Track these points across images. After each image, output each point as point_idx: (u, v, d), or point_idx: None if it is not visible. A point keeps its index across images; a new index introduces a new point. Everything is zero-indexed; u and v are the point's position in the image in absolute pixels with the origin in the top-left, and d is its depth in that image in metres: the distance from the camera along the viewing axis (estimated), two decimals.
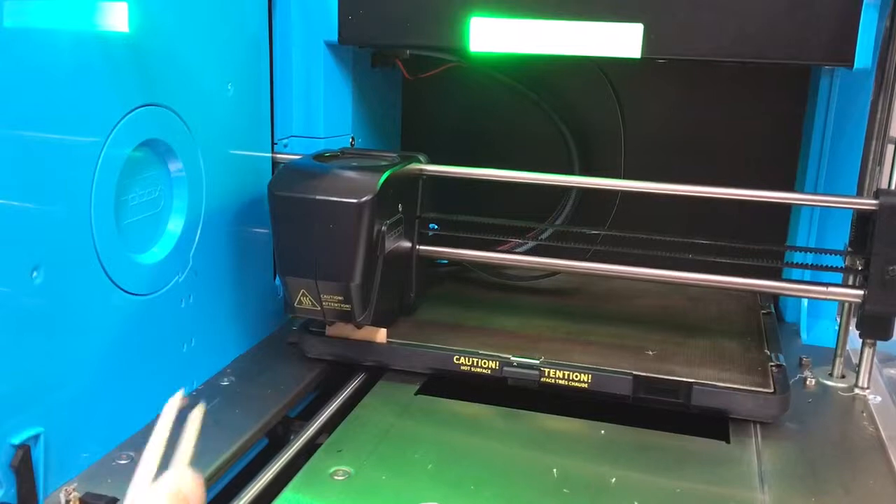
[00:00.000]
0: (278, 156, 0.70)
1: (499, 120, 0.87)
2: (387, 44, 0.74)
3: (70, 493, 0.46)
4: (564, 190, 0.81)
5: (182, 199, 0.57)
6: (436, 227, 0.70)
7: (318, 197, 0.58)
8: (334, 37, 0.69)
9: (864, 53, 0.59)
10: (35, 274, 0.45)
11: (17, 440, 0.44)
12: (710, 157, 0.84)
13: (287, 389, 0.62)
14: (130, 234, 0.53)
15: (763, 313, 0.74)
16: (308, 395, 0.66)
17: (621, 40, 0.63)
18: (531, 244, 0.78)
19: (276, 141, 0.71)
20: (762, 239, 0.64)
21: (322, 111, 0.72)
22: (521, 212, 0.76)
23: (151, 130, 0.53)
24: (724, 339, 0.68)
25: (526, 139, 0.87)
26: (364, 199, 0.58)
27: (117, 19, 0.50)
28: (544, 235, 0.79)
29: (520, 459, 0.54)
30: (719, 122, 0.83)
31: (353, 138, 0.77)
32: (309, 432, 0.58)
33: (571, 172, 0.82)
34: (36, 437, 0.45)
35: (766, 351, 0.65)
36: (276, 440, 0.60)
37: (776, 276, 0.71)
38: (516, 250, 0.77)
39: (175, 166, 0.56)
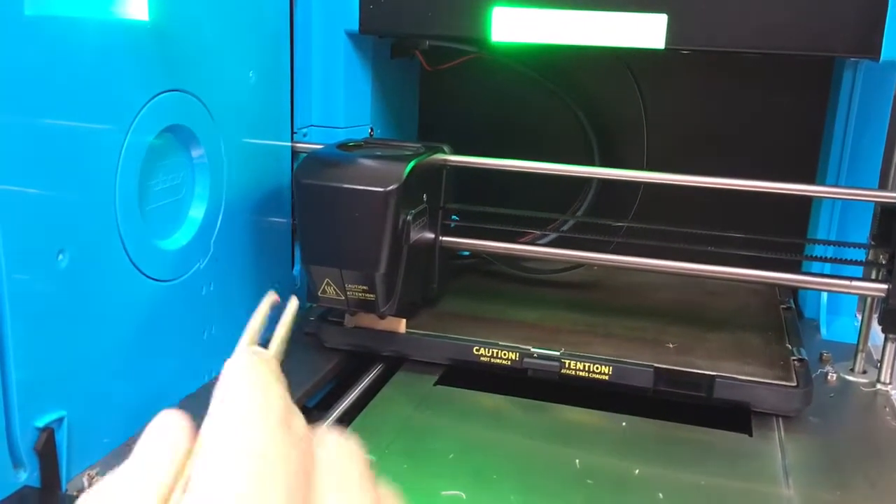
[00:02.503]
0: (298, 145, 0.70)
1: (518, 111, 0.87)
2: (407, 33, 0.73)
3: (93, 478, 0.46)
4: (586, 181, 0.80)
5: (204, 185, 0.57)
6: (457, 218, 0.70)
7: (344, 185, 0.58)
8: (355, 26, 0.69)
9: (891, 45, 0.59)
10: (61, 257, 0.45)
11: (40, 423, 0.44)
12: (733, 149, 0.83)
13: (305, 380, 0.62)
14: (153, 220, 0.53)
15: (783, 308, 0.73)
16: (326, 385, 0.65)
17: (645, 31, 0.63)
18: (552, 236, 0.77)
19: (295, 130, 0.70)
20: (783, 232, 0.64)
21: (342, 101, 0.72)
22: (542, 203, 0.76)
23: (175, 116, 0.53)
24: (744, 332, 0.67)
25: (546, 131, 0.87)
26: (390, 187, 0.57)
27: (140, 5, 0.50)
28: (565, 227, 0.78)
29: (541, 450, 0.54)
30: (742, 113, 0.83)
31: (371, 129, 0.76)
32: (327, 422, 0.58)
33: (592, 164, 0.81)
34: (59, 420, 0.45)
35: (787, 345, 0.65)
36: None
37: (797, 269, 0.70)
38: (537, 242, 0.76)
39: (197, 152, 0.56)
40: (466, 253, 0.79)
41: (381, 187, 0.58)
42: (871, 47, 0.59)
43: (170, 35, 0.52)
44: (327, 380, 0.65)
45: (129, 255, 0.50)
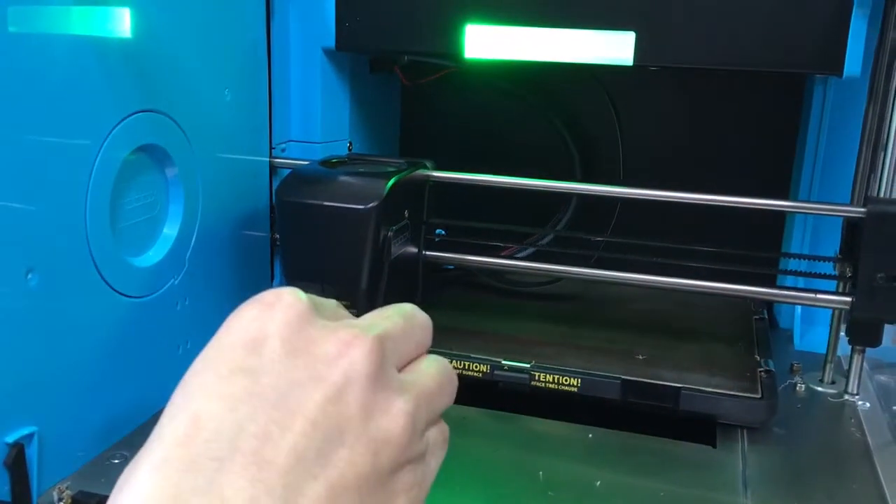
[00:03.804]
0: (276, 160, 0.71)
1: (498, 125, 0.88)
2: (383, 49, 0.75)
3: (63, 492, 0.47)
4: (566, 195, 0.81)
5: (178, 203, 0.58)
6: (442, 232, 0.71)
7: (324, 203, 0.59)
8: (331, 43, 0.70)
9: (854, 62, 0.60)
10: (30, 276, 0.46)
11: (11, 438, 0.45)
12: (707, 165, 0.84)
13: None
14: (126, 238, 0.54)
15: (755, 319, 0.74)
16: None
17: (613, 48, 0.64)
18: (531, 250, 0.79)
19: (273, 145, 0.72)
20: (758, 245, 0.65)
21: (319, 116, 0.73)
22: (524, 214, 0.77)
23: (148, 136, 0.54)
24: (714, 344, 0.68)
25: (526, 144, 0.88)
26: (370, 205, 0.59)
27: (115, 25, 0.51)
28: (545, 241, 0.79)
29: (506, 461, 0.55)
30: (716, 129, 0.84)
31: (350, 143, 0.77)
32: None
33: (573, 178, 0.83)
34: (30, 435, 0.47)
35: (756, 356, 0.66)
36: None
37: (770, 282, 0.71)
38: (517, 255, 0.77)
39: (171, 172, 0.57)
40: (451, 266, 0.80)
41: (362, 205, 0.59)
42: (834, 64, 0.60)
43: (144, 55, 0.54)
44: None
45: (100, 273, 0.51)
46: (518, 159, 0.87)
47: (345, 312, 0.30)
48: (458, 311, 0.74)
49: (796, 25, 0.60)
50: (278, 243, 0.72)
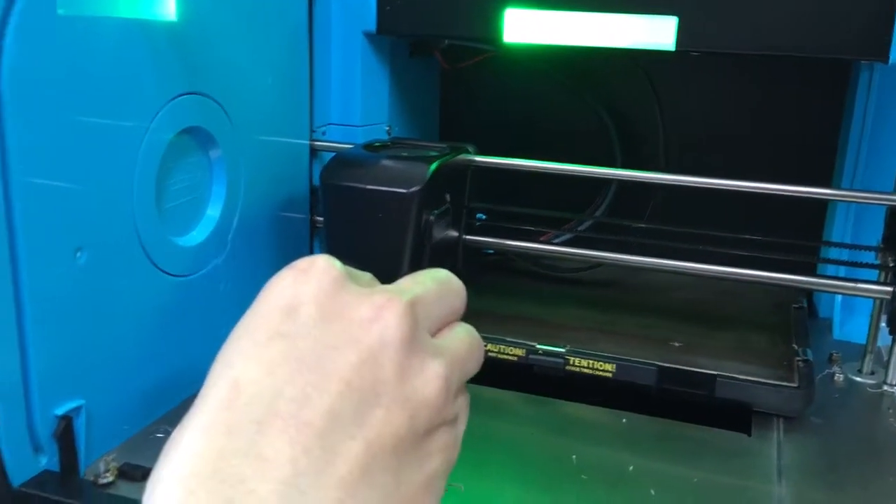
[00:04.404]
0: (316, 143, 0.72)
1: (538, 108, 0.88)
2: (423, 34, 0.75)
3: (109, 463, 0.49)
4: (606, 180, 0.81)
5: (221, 184, 0.59)
6: (484, 216, 0.72)
7: (367, 186, 0.60)
8: (372, 27, 0.71)
9: None
10: (78, 254, 0.47)
11: (60, 411, 0.47)
12: (749, 151, 0.83)
13: None
14: (170, 218, 0.55)
15: (795, 308, 0.73)
16: None
17: (655, 33, 0.64)
18: (568, 236, 0.78)
19: (314, 128, 0.72)
20: (799, 234, 0.65)
21: (359, 100, 0.74)
22: (563, 198, 0.77)
23: (192, 118, 0.55)
24: (751, 332, 0.68)
25: (565, 127, 0.88)
26: (413, 189, 0.59)
27: (161, 8, 0.52)
28: (583, 227, 0.79)
29: (540, 445, 0.55)
30: (759, 114, 0.83)
31: (389, 127, 0.78)
32: None
33: (613, 162, 0.82)
34: (78, 408, 0.48)
35: (793, 345, 0.65)
36: None
37: (811, 271, 0.70)
38: (555, 241, 0.77)
39: (215, 153, 0.58)
40: (491, 251, 0.81)
41: (404, 188, 0.59)
42: (879, 49, 0.59)
43: (190, 39, 0.54)
44: None
45: (145, 251, 0.53)
46: (558, 142, 0.87)
47: (378, 282, 0.30)
48: (496, 294, 0.75)
49: (841, 10, 0.59)
50: (318, 225, 0.73)
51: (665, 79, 0.82)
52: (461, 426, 0.30)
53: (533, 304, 0.73)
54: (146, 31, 0.50)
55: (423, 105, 0.86)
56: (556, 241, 0.78)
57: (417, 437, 0.26)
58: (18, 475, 0.45)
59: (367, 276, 0.30)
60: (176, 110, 0.54)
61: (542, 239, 0.77)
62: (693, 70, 0.83)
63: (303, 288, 0.26)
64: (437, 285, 0.29)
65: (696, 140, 0.85)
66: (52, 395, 0.47)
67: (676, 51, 0.63)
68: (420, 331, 0.27)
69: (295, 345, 0.25)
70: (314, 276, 0.27)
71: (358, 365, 0.25)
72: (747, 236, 0.64)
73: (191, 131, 0.56)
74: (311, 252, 0.75)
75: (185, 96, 0.54)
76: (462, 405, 0.30)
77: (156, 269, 0.54)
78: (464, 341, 0.29)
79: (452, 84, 0.89)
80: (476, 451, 0.54)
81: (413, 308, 0.27)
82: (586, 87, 0.84)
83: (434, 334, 0.29)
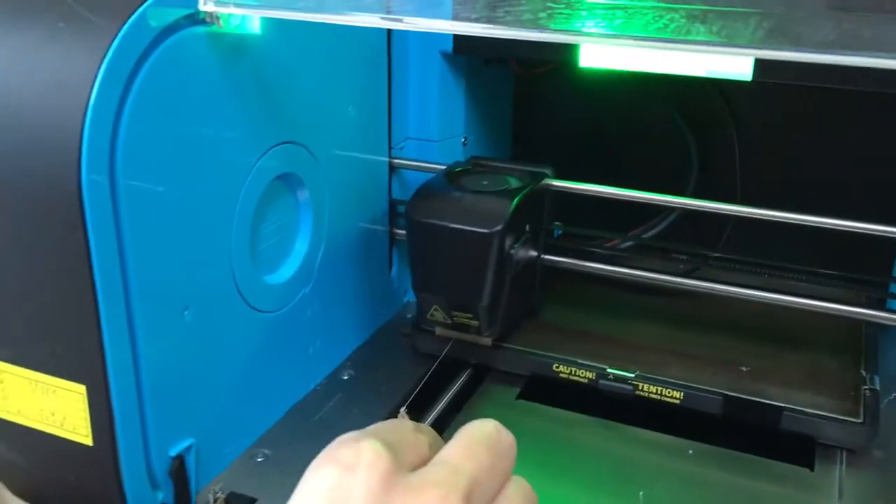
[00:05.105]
0: (395, 160, 0.75)
1: (613, 115, 0.88)
2: (498, 55, 0.76)
3: (216, 494, 0.54)
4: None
5: (308, 221, 0.63)
6: (559, 229, 0.74)
7: (451, 225, 0.62)
8: (449, 48, 0.72)
9: None
10: (185, 312, 0.52)
11: (174, 452, 0.52)
12: (827, 182, 0.82)
13: (400, 385, 0.68)
14: (262, 259, 0.59)
15: (866, 324, 0.74)
16: (419, 386, 0.71)
17: (731, 62, 0.64)
18: (629, 243, 0.79)
19: (392, 144, 0.75)
20: (873, 267, 0.65)
21: (436, 116, 0.76)
22: (633, 213, 0.78)
23: (283, 166, 0.59)
24: (820, 354, 0.69)
25: (638, 137, 0.88)
26: (495, 228, 0.62)
27: (252, 68, 0.54)
28: (651, 234, 0.81)
29: (609, 479, 0.59)
30: (838, 149, 0.82)
31: (465, 139, 0.80)
32: None
33: (689, 175, 0.82)
34: (189, 447, 0.53)
35: (861, 371, 0.66)
36: None
37: (880, 305, 0.70)
38: (621, 250, 0.79)
39: (303, 194, 0.62)
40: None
41: (486, 228, 0.62)
42: None
43: (278, 92, 0.57)
44: (419, 382, 0.71)
45: (241, 295, 0.57)
46: (633, 151, 0.87)
47: (425, 440, 0.30)
48: (566, 305, 0.77)
49: None
50: (398, 237, 0.76)
51: (745, 103, 0.81)
52: None
53: (603, 316, 0.75)
54: (239, 93, 0.53)
55: (497, 112, 0.87)
56: (624, 246, 0.79)
57: None
58: None
59: (411, 438, 0.29)
60: (268, 163, 0.57)
61: (607, 246, 0.79)
62: (774, 96, 0.81)
63: (351, 491, 0.25)
64: (489, 455, 0.29)
65: (772, 165, 0.83)
66: (166, 437, 0.52)
67: (753, 82, 0.63)
68: None
69: None
70: (361, 473, 0.26)
71: None
72: (816, 270, 0.65)
73: (280, 177, 0.59)
74: (389, 260, 0.78)
75: (275, 147, 0.57)
76: None
77: (251, 310, 0.58)
78: None
79: (526, 89, 0.90)
80: (545, 484, 0.58)
81: (469, 500, 0.27)
82: (664, 95, 0.83)
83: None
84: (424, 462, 0.30)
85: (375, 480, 0.26)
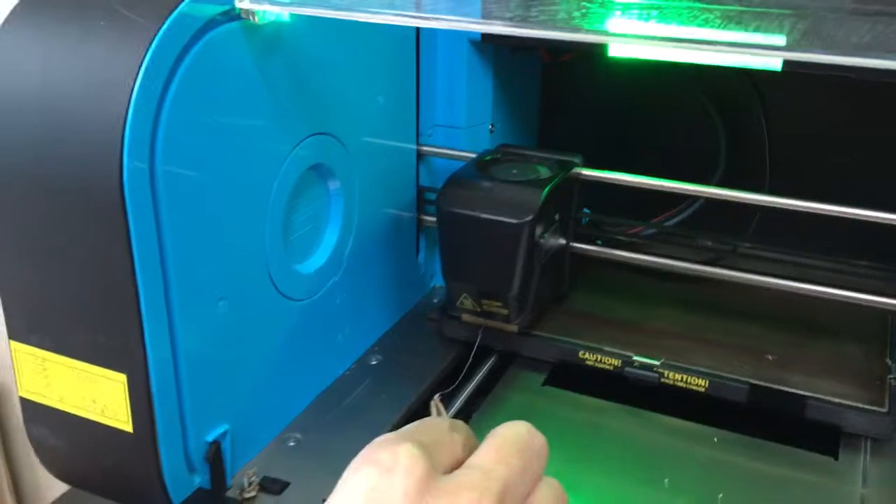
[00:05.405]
0: (423, 148, 0.75)
1: (641, 101, 0.88)
2: (527, 46, 0.76)
3: (251, 477, 0.56)
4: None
5: (338, 210, 0.64)
6: (588, 211, 0.74)
7: (481, 215, 0.63)
8: (477, 36, 0.72)
9: None
10: (220, 303, 0.53)
11: (210, 438, 0.54)
12: (858, 170, 0.82)
13: (428, 370, 0.69)
14: (294, 248, 0.60)
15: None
16: (448, 372, 0.73)
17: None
18: (651, 231, 0.80)
19: (420, 132, 0.75)
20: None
21: (465, 103, 0.76)
22: (655, 201, 0.78)
23: (315, 157, 0.59)
24: (846, 343, 0.69)
25: (666, 123, 0.87)
26: (525, 218, 0.63)
27: (290, 61, 0.55)
28: (675, 221, 0.81)
29: (635, 465, 0.60)
30: (873, 138, 0.81)
31: (492, 126, 0.80)
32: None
33: (717, 159, 0.82)
34: (224, 433, 0.55)
35: (887, 360, 0.67)
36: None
37: None
38: (645, 237, 0.79)
39: (334, 184, 0.62)
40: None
41: (517, 219, 0.63)
42: None
43: (310, 82, 0.58)
44: (446, 367, 0.72)
45: (274, 285, 0.58)
46: (660, 138, 0.87)
47: (459, 440, 0.31)
48: (592, 292, 0.78)
49: None
50: (426, 224, 0.77)
51: (777, 91, 0.81)
52: None
53: (629, 303, 0.76)
54: (273, 85, 0.54)
55: (525, 98, 0.87)
56: (649, 234, 0.80)
57: None
58: (177, 494, 0.53)
59: (446, 437, 0.30)
60: (300, 153, 0.58)
61: (630, 233, 0.79)
62: (806, 84, 0.81)
63: (388, 493, 0.26)
64: (521, 458, 0.30)
65: (803, 152, 0.83)
66: (203, 424, 0.53)
67: (783, 71, 0.63)
68: None
69: None
70: (399, 475, 0.27)
71: None
72: (850, 261, 0.65)
73: (312, 168, 0.60)
74: (417, 245, 0.79)
75: (308, 139, 0.58)
76: None
77: (283, 298, 0.59)
78: None
79: (553, 75, 0.90)
80: (573, 470, 0.59)
81: (502, 503, 0.28)
82: (694, 82, 0.83)
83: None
84: (458, 462, 0.31)
85: (412, 483, 0.27)
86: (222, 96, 0.50)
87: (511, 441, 0.30)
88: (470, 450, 0.32)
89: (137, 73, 0.44)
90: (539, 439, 0.32)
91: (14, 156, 0.47)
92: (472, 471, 0.29)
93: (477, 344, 0.69)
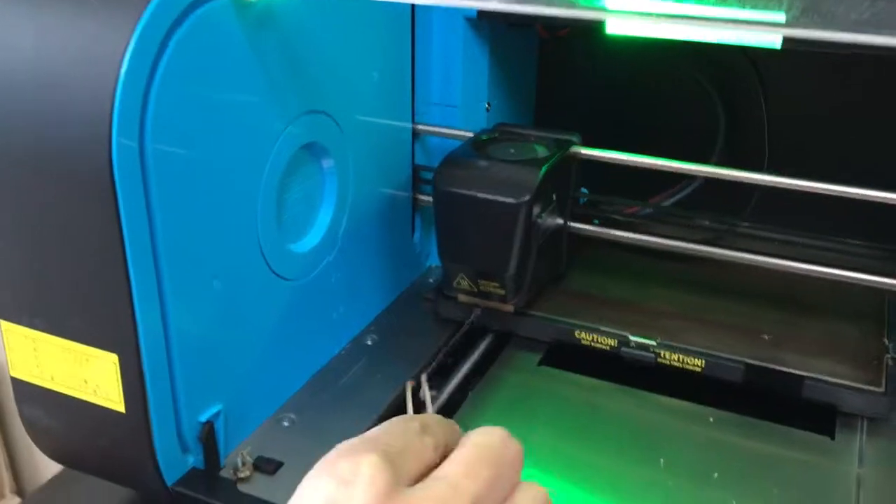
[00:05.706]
0: (418, 126, 0.75)
1: (638, 78, 0.87)
2: (523, 22, 0.75)
3: (245, 457, 0.56)
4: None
5: (332, 189, 0.63)
6: (586, 191, 0.73)
7: (478, 195, 0.63)
8: (473, 12, 0.72)
9: None
10: (214, 282, 0.52)
11: (203, 418, 0.53)
12: (853, 151, 0.81)
13: (423, 350, 0.69)
14: (287, 228, 0.60)
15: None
16: (442, 352, 0.72)
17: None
18: (647, 211, 0.79)
19: (415, 111, 0.75)
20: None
21: (460, 81, 0.75)
22: (653, 180, 0.77)
23: (308, 136, 0.59)
24: (842, 322, 0.69)
25: (664, 101, 0.87)
26: (522, 198, 0.62)
27: (278, 37, 0.54)
28: (672, 201, 0.80)
29: (631, 445, 0.60)
30: (873, 117, 0.80)
31: (489, 104, 0.79)
32: (441, 399, 0.65)
33: (716, 138, 0.81)
34: (217, 413, 0.55)
35: (884, 339, 0.66)
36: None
37: None
38: (642, 214, 0.79)
39: (328, 163, 0.62)
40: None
41: (514, 198, 0.62)
42: None
43: (304, 59, 0.57)
44: (442, 346, 0.72)
45: (268, 264, 0.58)
46: (658, 117, 0.86)
47: (430, 443, 0.29)
48: (588, 271, 0.77)
49: None
50: (421, 203, 0.77)
51: (776, 70, 0.80)
52: None
53: (625, 283, 0.76)
54: (265, 62, 0.53)
55: (522, 76, 0.86)
56: (647, 213, 0.79)
57: None
58: (171, 474, 0.53)
59: (411, 443, 0.29)
60: (294, 131, 0.57)
61: (627, 212, 0.78)
62: (807, 63, 0.80)
63: None
64: (492, 469, 0.29)
65: (803, 134, 0.82)
66: (196, 404, 0.53)
67: (783, 49, 0.62)
68: None
69: None
70: (359, 489, 0.25)
71: None
72: (842, 240, 0.64)
73: (306, 146, 0.59)
74: (412, 225, 0.78)
75: (301, 117, 0.58)
76: None
77: (276, 278, 0.59)
78: None
79: (550, 52, 0.89)
80: (568, 450, 0.59)
81: None
82: (692, 59, 0.82)
83: None
84: (429, 468, 0.29)
85: (372, 497, 0.25)
86: (213, 73, 0.49)
87: (483, 450, 0.29)
88: (441, 453, 0.30)
89: (126, 49, 0.43)
90: (512, 448, 0.31)
91: (1, 133, 0.46)
92: (439, 483, 0.28)
93: (470, 322, 0.69)
